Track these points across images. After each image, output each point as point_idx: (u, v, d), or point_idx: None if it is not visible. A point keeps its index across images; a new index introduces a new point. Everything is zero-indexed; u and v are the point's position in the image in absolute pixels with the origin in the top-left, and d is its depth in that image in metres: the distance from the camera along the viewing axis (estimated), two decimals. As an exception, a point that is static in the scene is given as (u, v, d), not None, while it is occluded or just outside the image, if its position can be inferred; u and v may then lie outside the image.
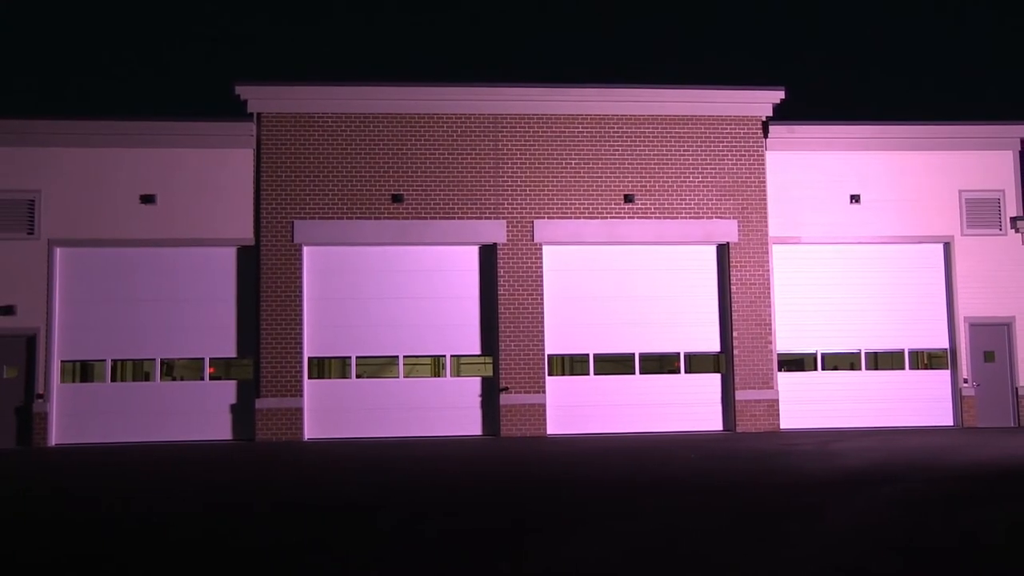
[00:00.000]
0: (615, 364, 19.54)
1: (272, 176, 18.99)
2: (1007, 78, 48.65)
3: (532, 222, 19.26)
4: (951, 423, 19.90)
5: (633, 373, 19.39)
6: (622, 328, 19.35)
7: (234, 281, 18.99)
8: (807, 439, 17.05)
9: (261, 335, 18.63)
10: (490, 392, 19.07)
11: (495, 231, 19.18)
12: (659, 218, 19.51)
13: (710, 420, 19.39)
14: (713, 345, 19.62)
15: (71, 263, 18.76)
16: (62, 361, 18.59)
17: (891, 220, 20.08)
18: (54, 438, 18.28)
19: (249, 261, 18.97)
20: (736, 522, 8.36)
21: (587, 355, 19.37)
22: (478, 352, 19.29)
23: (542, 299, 19.16)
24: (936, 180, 20.28)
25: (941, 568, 6.52)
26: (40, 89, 45.53)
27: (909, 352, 20.07)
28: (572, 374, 19.54)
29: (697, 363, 19.70)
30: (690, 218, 19.59)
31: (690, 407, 19.31)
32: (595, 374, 19.35)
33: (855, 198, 20.02)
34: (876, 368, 20.17)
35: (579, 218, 19.35)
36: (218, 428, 18.63)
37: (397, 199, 19.02)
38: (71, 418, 18.41)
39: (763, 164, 19.89)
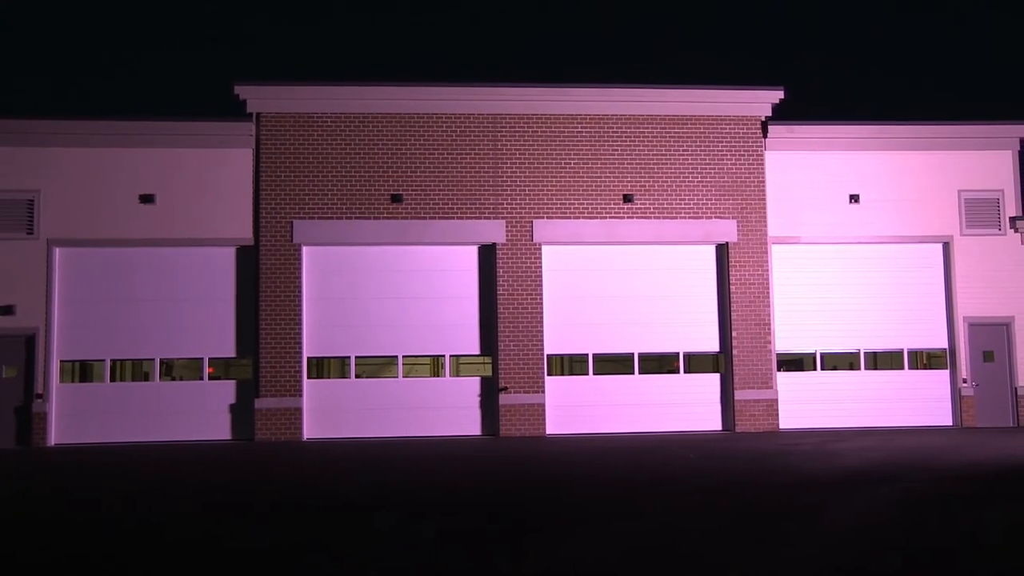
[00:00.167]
0: (614, 364, 19.54)
1: (271, 176, 18.99)
2: (1007, 78, 48.68)
3: (531, 222, 19.26)
4: (950, 423, 19.91)
5: (632, 373, 19.39)
6: (621, 328, 19.35)
7: (233, 281, 19.00)
8: (806, 439, 17.05)
9: (260, 335, 18.63)
10: (489, 392, 19.08)
11: (494, 231, 19.18)
12: (658, 218, 19.51)
13: (709, 420, 19.40)
14: (712, 345, 19.63)
15: (70, 263, 18.75)
16: (61, 361, 18.60)
17: (890, 220, 20.08)
18: (53, 438, 18.28)
19: (248, 261, 18.97)
20: (735, 522, 8.35)
21: (586, 355, 19.38)
22: (477, 352, 19.29)
23: (541, 299, 19.17)
24: (935, 180, 20.28)
25: (940, 568, 6.52)
26: (40, 89, 45.55)
27: (908, 352, 20.08)
28: (571, 374, 19.55)
29: (696, 363, 19.70)
30: (689, 218, 19.59)
31: (689, 407, 19.32)
32: (594, 374, 19.36)
33: (854, 198, 20.02)
34: (875, 368, 20.18)
35: (578, 218, 19.35)
36: (217, 428, 18.64)
37: (396, 199, 19.02)
38: (70, 418, 18.41)
39: (762, 164, 19.89)
